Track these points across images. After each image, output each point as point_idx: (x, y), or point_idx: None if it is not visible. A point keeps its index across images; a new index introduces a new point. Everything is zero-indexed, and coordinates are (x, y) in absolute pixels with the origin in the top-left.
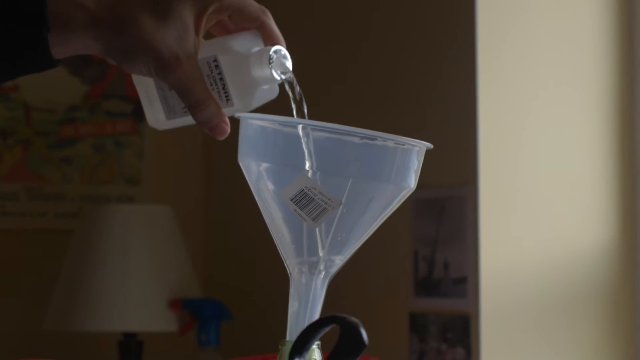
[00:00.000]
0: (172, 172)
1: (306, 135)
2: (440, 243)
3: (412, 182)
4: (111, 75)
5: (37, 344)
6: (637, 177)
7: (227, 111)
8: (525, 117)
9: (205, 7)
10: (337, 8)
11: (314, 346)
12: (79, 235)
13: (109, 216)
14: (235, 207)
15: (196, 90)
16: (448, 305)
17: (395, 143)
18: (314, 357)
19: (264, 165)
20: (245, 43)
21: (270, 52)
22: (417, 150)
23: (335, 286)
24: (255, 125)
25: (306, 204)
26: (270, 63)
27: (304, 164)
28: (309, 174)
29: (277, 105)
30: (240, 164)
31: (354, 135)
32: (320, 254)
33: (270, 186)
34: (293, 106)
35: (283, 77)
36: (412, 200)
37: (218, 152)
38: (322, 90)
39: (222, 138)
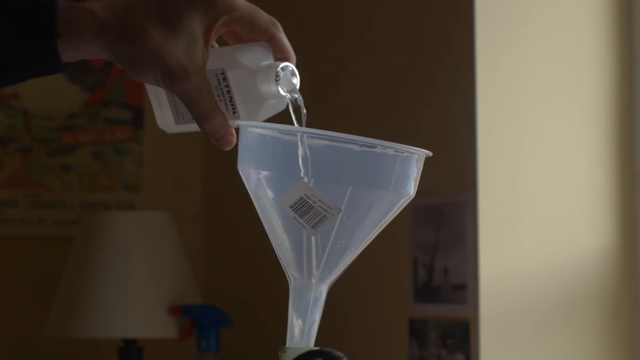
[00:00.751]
0: (172, 179)
1: (304, 143)
2: (440, 249)
3: (412, 189)
4: (111, 82)
5: (37, 351)
6: (636, 183)
7: (233, 122)
8: (524, 123)
9: (215, 19)
10: (333, 13)
11: None
12: (78, 242)
13: (109, 223)
14: (234, 214)
15: (203, 102)
16: (448, 311)
17: (395, 151)
18: None
19: (264, 173)
20: (254, 56)
21: (278, 69)
22: (416, 158)
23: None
24: (254, 133)
25: (306, 211)
26: (277, 80)
27: (307, 173)
28: (309, 182)
29: (278, 113)
30: (240, 172)
31: (354, 143)
32: (320, 261)
33: (270, 194)
34: (294, 122)
35: (290, 95)
36: (412, 207)
37: (218, 159)
38: (319, 97)
39: (227, 149)
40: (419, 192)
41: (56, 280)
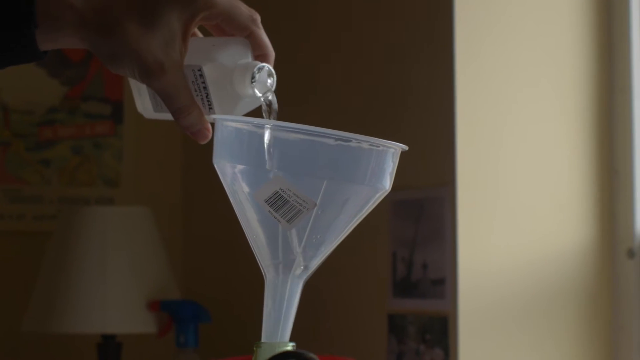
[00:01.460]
0: (151, 174)
1: (275, 138)
2: (419, 244)
3: (387, 183)
4: (90, 77)
5: (15, 346)
6: (615, 177)
7: (209, 118)
8: (503, 118)
9: (193, 15)
10: (312, 9)
11: (289, 348)
12: (57, 237)
13: (88, 218)
14: (214, 209)
15: (179, 97)
16: (426, 306)
17: (370, 145)
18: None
19: (239, 167)
20: (232, 53)
21: (254, 70)
22: (392, 152)
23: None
24: (230, 127)
25: (281, 205)
26: (252, 82)
27: (273, 166)
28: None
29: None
30: (215, 166)
31: (329, 137)
32: (296, 255)
33: (246, 188)
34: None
35: (264, 97)
36: (391, 201)
37: (197, 154)
38: (298, 92)
39: (203, 142)
40: (398, 186)
41: (34, 276)
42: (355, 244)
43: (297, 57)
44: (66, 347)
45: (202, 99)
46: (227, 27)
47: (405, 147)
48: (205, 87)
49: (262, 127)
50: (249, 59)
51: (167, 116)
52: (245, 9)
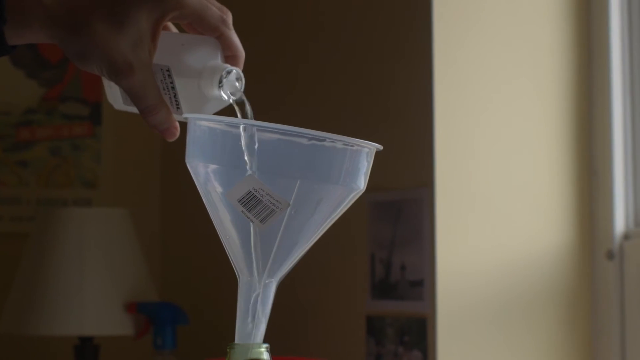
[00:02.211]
0: (130, 175)
1: (252, 136)
2: (397, 245)
3: (362, 183)
4: (68, 78)
5: None
6: (594, 178)
7: (177, 117)
8: (481, 119)
9: (163, 14)
10: (291, 10)
11: (263, 349)
12: (34, 238)
13: (65, 219)
14: (192, 211)
15: (147, 97)
16: (405, 308)
17: (344, 144)
18: (264, 359)
19: (212, 166)
20: (200, 55)
21: (222, 73)
22: (366, 151)
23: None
24: (203, 127)
25: (254, 205)
26: (220, 85)
27: (252, 165)
28: (257, 175)
29: (229, 106)
30: (188, 166)
31: (302, 136)
32: (269, 256)
33: (219, 188)
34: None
35: (232, 98)
36: (369, 203)
37: (176, 156)
38: (274, 93)
39: (171, 140)
40: (376, 188)
41: (11, 277)
42: (333, 245)
43: (275, 59)
44: (43, 349)
45: (170, 98)
46: (197, 27)
47: (380, 147)
48: (173, 87)
49: (235, 126)
50: (218, 59)
51: (136, 110)
52: (215, 10)
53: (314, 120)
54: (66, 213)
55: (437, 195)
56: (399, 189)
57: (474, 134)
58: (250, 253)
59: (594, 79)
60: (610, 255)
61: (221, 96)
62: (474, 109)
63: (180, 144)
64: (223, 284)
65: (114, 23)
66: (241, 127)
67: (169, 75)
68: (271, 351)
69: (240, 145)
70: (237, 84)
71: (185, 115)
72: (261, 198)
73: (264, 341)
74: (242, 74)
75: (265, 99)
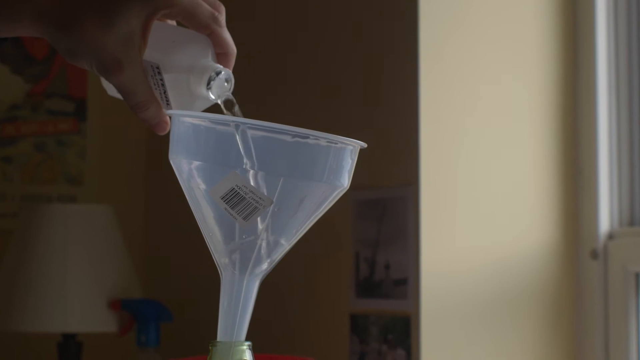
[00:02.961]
0: (115, 172)
1: (242, 133)
2: (382, 244)
3: (346, 181)
4: (54, 74)
5: None
6: (579, 178)
7: (166, 112)
8: (467, 118)
9: (153, 11)
10: (276, 6)
11: (245, 347)
12: (18, 234)
13: (49, 216)
14: (177, 208)
15: (137, 93)
16: (389, 306)
17: (328, 142)
18: (245, 358)
19: (195, 163)
20: (191, 53)
21: (211, 74)
22: (350, 149)
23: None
24: (187, 123)
25: (237, 202)
26: (208, 87)
27: (236, 163)
28: (241, 173)
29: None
30: (171, 162)
31: (286, 133)
32: (252, 253)
33: (202, 185)
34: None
35: (221, 99)
36: (354, 201)
37: (161, 153)
38: (260, 92)
39: (162, 134)
40: (360, 186)
41: None
42: (317, 243)
43: (260, 56)
44: (26, 346)
45: (160, 94)
46: (188, 24)
47: (364, 145)
48: (162, 84)
49: (219, 123)
50: (209, 57)
51: None
52: (206, 7)
53: (299, 119)
54: (50, 209)
55: (422, 193)
56: (383, 187)
57: (459, 132)
58: (232, 250)
59: (580, 78)
60: (594, 254)
61: (209, 96)
62: (460, 107)
63: (166, 140)
64: (207, 282)
65: (104, 20)
66: (235, 128)
67: (159, 73)
68: (254, 349)
69: (224, 142)
70: (225, 84)
71: (168, 112)
72: (244, 195)
73: (247, 339)
74: (231, 75)
75: (251, 97)
